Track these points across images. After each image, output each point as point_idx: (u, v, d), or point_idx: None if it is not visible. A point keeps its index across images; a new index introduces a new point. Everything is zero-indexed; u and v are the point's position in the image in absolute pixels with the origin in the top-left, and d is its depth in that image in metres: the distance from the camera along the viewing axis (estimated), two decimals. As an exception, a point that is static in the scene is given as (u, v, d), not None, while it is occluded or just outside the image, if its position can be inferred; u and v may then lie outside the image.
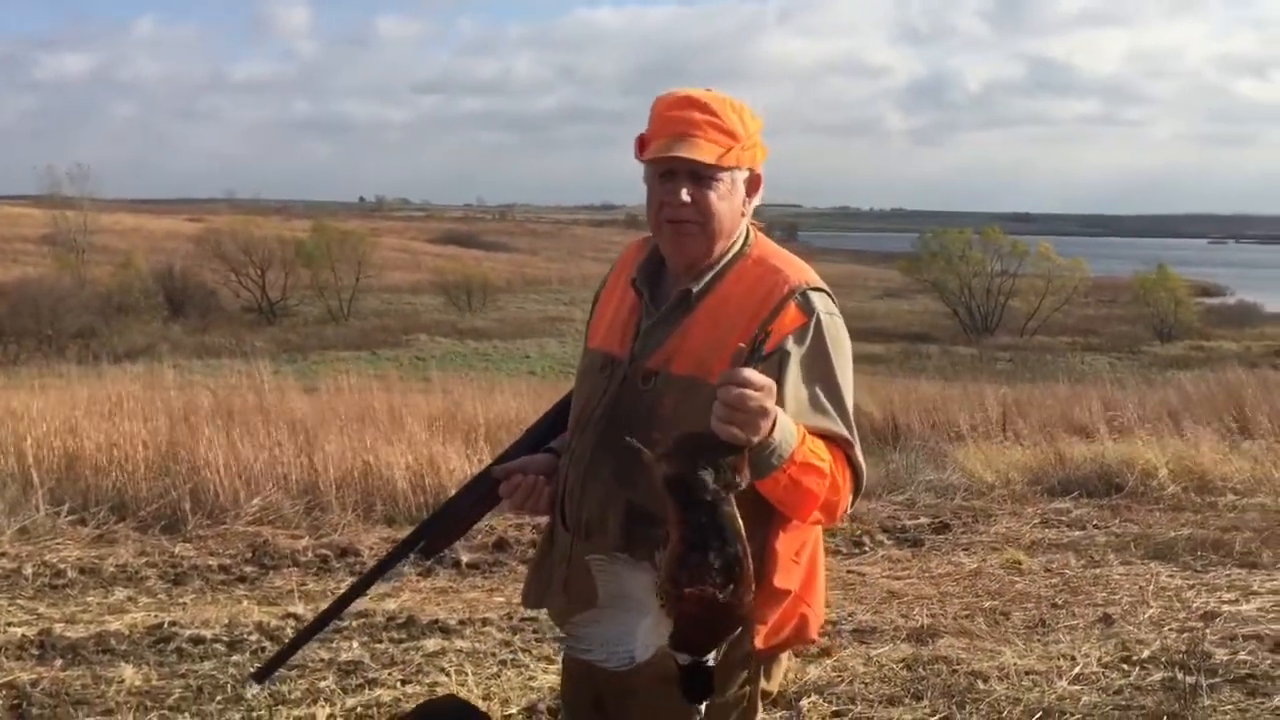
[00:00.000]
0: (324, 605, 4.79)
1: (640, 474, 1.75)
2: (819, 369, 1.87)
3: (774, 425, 1.69)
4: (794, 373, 1.86)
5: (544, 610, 2.19)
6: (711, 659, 1.71)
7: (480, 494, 2.11)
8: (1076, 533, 6.47)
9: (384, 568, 2.17)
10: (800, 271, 1.96)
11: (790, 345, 1.86)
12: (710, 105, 1.90)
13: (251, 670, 3.98)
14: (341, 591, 2.27)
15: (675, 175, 1.91)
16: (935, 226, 58.11)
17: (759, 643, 1.97)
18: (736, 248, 1.99)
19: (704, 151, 1.88)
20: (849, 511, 1.91)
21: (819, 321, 1.90)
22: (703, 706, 1.73)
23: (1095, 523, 6.69)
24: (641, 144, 1.95)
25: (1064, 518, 6.81)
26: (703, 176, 1.90)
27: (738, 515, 1.66)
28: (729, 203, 1.94)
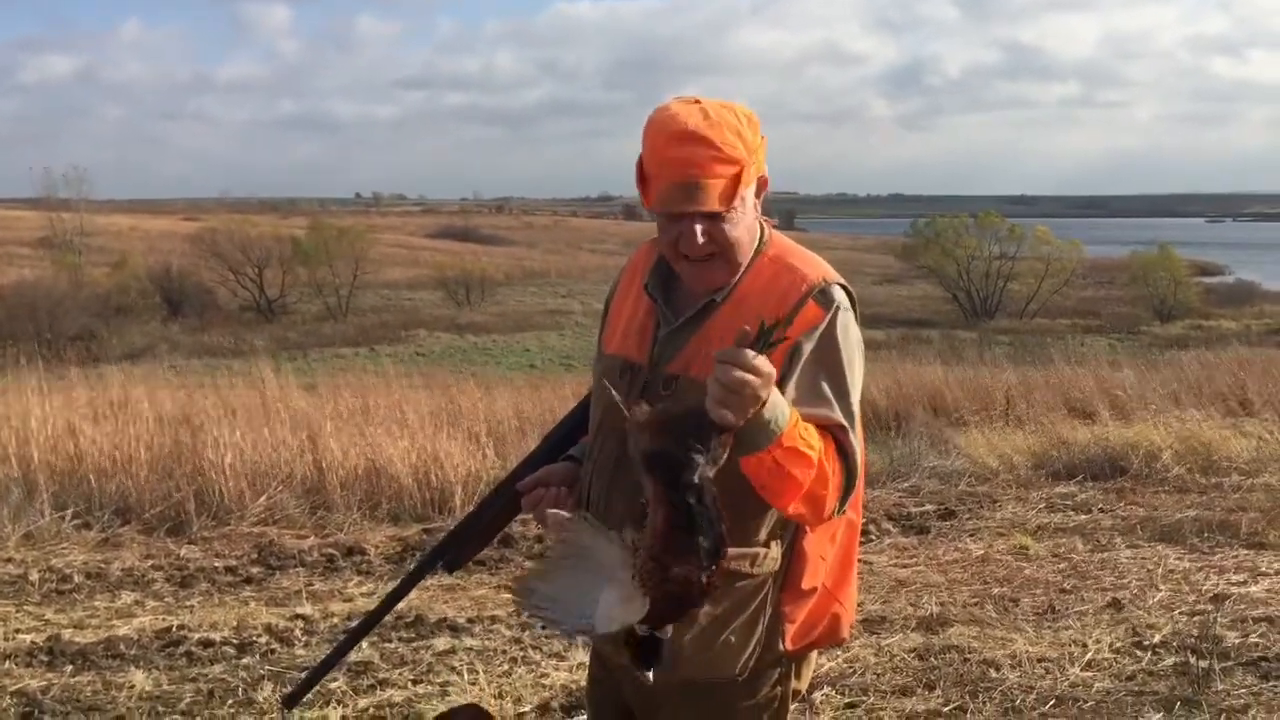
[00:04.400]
0: (332, 606, 4.81)
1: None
2: (827, 360, 1.86)
3: (763, 404, 1.65)
4: (803, 364, 1.85)
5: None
6: (668, 631, 1.70)
7: (501, 506, 2.09)
8: (1082, 516, 6.46)
9: (409, 584, 2.16)
10: (817, 267, 1.94)
11: (804, 339, 1.85)
12: (711, 138, 1.80)
13: (268, 679, 3.96)
14: (369, 610, 2.26)
15: (687, 215, 1.85)
16: (935, 211, 57.86)
17: (789, 644, 1.96)
18: (754, 248, 1.96)
19: (714, 198, 1.81)
20: (838, 512, 1.84)
21: (834, 315, 1.89)
22: (650, 673, 1.74)
23: (1101, 506, 6.68)
24: (641, 175, 1.87)
25: (1069, 501, 6.80)
26: (716, 215, 1.84)
27: (717, 495, 1.64)
28: (745, 224, 1.89)
